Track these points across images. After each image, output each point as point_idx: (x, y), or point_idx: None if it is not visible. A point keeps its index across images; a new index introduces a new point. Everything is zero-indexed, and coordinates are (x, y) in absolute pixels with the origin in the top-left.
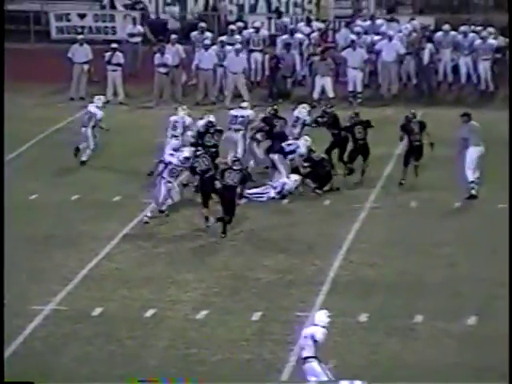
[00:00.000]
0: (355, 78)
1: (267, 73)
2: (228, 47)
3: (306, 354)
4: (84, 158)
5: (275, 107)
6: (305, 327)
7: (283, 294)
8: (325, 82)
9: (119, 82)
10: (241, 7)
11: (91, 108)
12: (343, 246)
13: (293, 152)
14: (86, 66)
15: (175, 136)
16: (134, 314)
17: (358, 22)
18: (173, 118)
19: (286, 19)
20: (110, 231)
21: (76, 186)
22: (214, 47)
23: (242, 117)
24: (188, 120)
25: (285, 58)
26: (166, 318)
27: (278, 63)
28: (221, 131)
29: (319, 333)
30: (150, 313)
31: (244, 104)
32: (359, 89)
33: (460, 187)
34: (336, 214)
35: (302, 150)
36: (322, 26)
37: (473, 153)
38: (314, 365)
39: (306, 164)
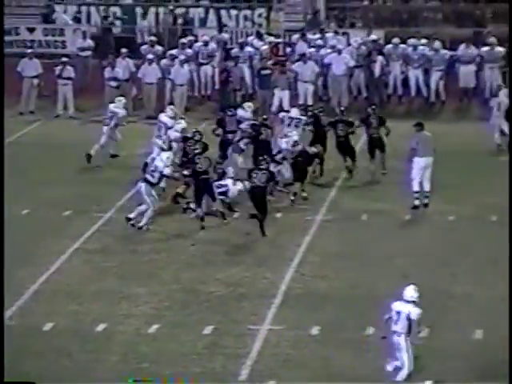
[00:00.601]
0: (306, 91)
1: (217, 86)
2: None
3: (397, 328)
4: (92, 152)
5: (265, 116)
6: (394, 302)
7: (235, 307)
8: (283, 96)
9: (70, 95)
10: (191, 21)
11: (112, 107)
12: (295, 259)
13: (223, 193)
14: (35, 80)
15: (159, 136)
16: (85, 328)
17: (309, 35)
18: (161, 119)
19: (225, 35)
20: (61, 246)
21: (27, 200)
22: (164, 61)
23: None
24: (170, 122)
25: (233, 71)
26: (117, 333)
27: (228, 77)
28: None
29: (415, 313)
30: (101, 327)
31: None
32: (310, 102)
33: (410, 199)
34: (287, 226)
35: (233, 191)
36: (276, 39)
37: (421, 163)
38: (402, 340)
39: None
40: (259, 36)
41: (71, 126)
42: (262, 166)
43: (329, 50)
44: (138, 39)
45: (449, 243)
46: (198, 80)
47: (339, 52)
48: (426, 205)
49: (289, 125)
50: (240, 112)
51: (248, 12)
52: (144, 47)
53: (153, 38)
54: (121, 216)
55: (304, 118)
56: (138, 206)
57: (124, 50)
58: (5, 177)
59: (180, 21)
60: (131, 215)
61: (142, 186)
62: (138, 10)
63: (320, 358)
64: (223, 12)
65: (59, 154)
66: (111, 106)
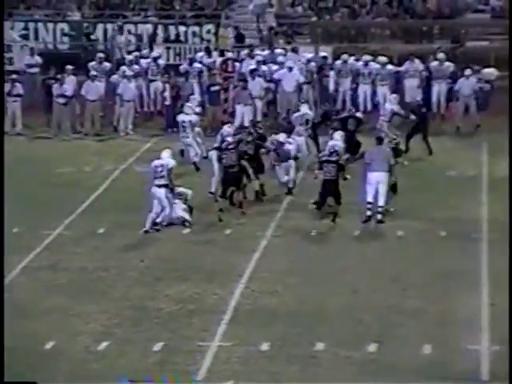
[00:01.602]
0: (254, 106)
1: (167, 102)
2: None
3: None
4: (196, 159)
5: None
6: None
7: (185, 323)
8: (245, 111)
9: (19, 113)
10: (139, 37)
11: (183, 117)
12: (244, 275)
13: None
14: None
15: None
16: (33, 346)
17: (257, 51)
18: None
19: (154, 53)
20: (10, 263)
21: None
22: (115, 76)
23: (162, 166)
24: (172, 163)
25: (183, 87)
26: (66, 350)
27: (178, 92)
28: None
29: None
30: (49, 345)
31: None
32: (258, 117)
33: (360, 215)
34: (237, 242)
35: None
36: (229, 55)
37: (374, 178)
38: None
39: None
40: (208, 52)
41: (18, 143)
42: (331, 159)
43: (277, 67)
44: (117, 55)
45: (398, 258)
46: (147, 96)
47: (290, 69)
48: (379, 221)
49: (300, 124)
50: (225, 129)
51: (196, 28)
52: (92, 64)
53: (101, 55)
54: (69, 233)
55: (312, 114)
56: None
57: (69, 67)
58: None
59: (129, 37)
60: (146, 227)
61: (160, 191)
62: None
63: (269, 374)
64: (171, 28)
65: (7, 171)
66: (181, 116)
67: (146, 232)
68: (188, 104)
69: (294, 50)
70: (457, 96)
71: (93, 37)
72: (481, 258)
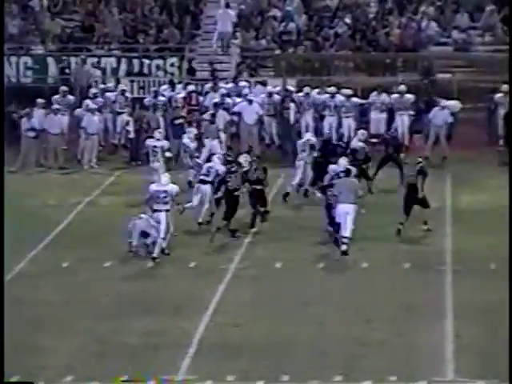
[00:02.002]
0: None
1: (131, 135)
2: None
3: None
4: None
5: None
6: None
7: (149, 357)
8: (213, 145)
9: None
10: (103, 70)
11: (154, 142)
12: (209, 308)
13: None
14: None
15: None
16: None
17: (221, 84)
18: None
19: (121, 85)
20: None
21: None
22: (79, 110)
23: (165, 192)
24: (176, 189)
25: (151, 120)
26: None
27: (142, 125)
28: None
29: None
30: (14, 379)
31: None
32: (222, 151)
33: (324, 247)
34: (202, 275)
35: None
36: (192, 88)
37: (342, 209)
38: None
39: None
40: (172, 85)
41: None
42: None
43: (240, 99)
44: (93, 88)
45: (363, 290)
46: (113, 129)
47: (250, 101)
48: (343, 252)
49: (303, 150)
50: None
51: (160, 61)
52: (56, 97)
53: (64, 88)
54: (33, 267)
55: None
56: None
57: (40, 100)
58: None
59: (92, 71)
60: (200, 220)
61: (162, 215)
62: (50, 60)
63: None
64: (135, 61)
65: None
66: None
67: (154, 259)
68: (158, 130)
69: (262, 83)
70: (421, 127)
71: (67, 70)
72: (445, 290)
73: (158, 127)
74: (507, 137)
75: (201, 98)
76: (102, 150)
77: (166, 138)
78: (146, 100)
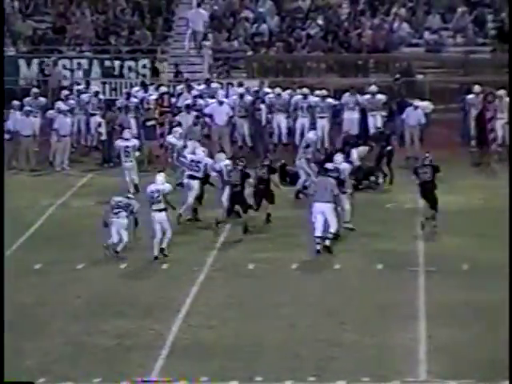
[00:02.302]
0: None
1: (103, 137)
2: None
3: None
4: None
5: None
6: None
7: (122, 359)
8: (196, 146)
9: None
10: (75, 72)
11: (125, 142)
12: (182, 310)
13: None
14: None
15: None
16: None
17: (194, 85)
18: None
19: (94, 87)
20: None
21: None
22: (51, 111)
23: (158, 191)
24: (168, 187)
25: (121, 121)
26: None
27: (114, 127)
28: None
29: None
30: None
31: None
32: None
33: (297, 248)
34: (174, 277)
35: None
36: (164, 89)
37: (318, 208)
38: None
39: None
40: (144, 87)
41: None
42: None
43: (212, 101)
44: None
45: (335, 292)
46: (86, 130)
47: (220, 103)
48: (326, 247)
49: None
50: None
51: (132, 63)
52: (27, 99)
53: (35, 90)
54: (5, 269)
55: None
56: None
57: (16, 103)
58: None
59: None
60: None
61: (161, 215)
62: (21, 62)
63: None
64: (107, 63)
65: None
66: (169, 137)
67: (156, 258)
68: (127, 130)
69: (240, 84)
70: (394, 129)
71: (47, 72)
72: (417, 291)
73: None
74: (479, 138)
75: (173, 100)
76: (75, 151)
77: (138, 139)
78: (118, 102)
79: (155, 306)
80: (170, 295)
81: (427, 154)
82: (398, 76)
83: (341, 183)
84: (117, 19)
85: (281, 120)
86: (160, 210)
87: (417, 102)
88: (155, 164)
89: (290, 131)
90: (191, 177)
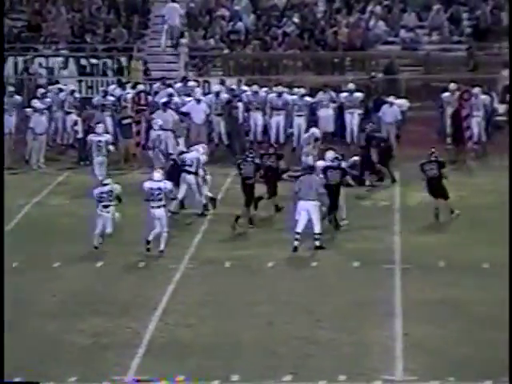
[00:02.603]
0: (166, 139)
1: (80, 135)
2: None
3: None
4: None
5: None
6: None
7: (99, 357)
8: (181, 143)
9: None
10: (51, 70)
11: (98, 137)
12: (159, 308)
13: None
14: None
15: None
16: None
17: (171, 83)
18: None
19: (70, 85)
20: None
21: None
22: (26, 110)
23: (159, 189)
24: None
25: (97, 119)
26: None
27: (90, 125)
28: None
29: None
30: None
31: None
32: (170, 150)
33: (275, 246)
34: (151, 275)
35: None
36: (141, 87)
37: (302, 206)
38: None
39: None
40: (120, 85)
41: None
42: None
43: (189, 99)
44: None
45: (312, 289)
46: (62, 129)
47: (198, 101)
48: (318, 247)
49: (308, 143)
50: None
51: (108, 61)
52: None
53: (11, 88)
54: None
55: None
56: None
57: None
58: None
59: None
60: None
61: (160, 211)
62: None
63: None
64: (83, 61)
65: None
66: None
67: (162, 252)
68: (98, 125)
69: (222, 82)
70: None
71: (31, 70)
72: (394, 288)
73: (106, 127)
74: (454, 135)
75: (150, 98)
76: (51, 150)
77: (115, 138)
78: (94, 100)
79: (132, 305)
80: (147, 293)
81: (433, 150)
82: (373, 74)
83: (344, 175)
84: (92, 17)
85: (257, 118)
86: (159, 207)
87: (392, 99)
88: (131, 162)
89: (266, 129)
90: (186, 171)
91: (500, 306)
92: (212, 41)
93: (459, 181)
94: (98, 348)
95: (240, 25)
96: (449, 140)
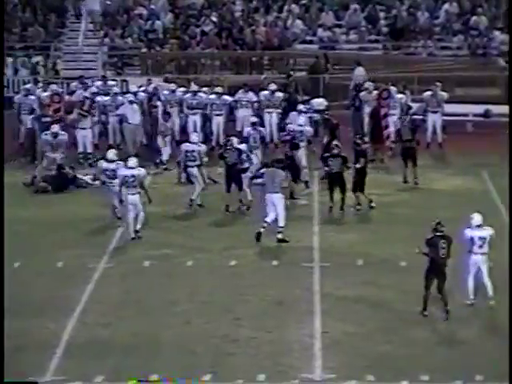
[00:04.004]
0: (85, 138)
1: None
2: None
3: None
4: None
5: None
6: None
7: (15, 358)
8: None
9: None
10: None
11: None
12: (77, 308)
13: None
14: None
15: None
16: None
17: (89, 82)
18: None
19: None
20: None
21: None
22: None
23: (133, 176)
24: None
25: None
26: None
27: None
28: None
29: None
30: None
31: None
32: (89, 150)
33: (194, 244)
34: (69, 274)
35: None
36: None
37: (268, 199)
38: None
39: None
40: (37, 83)
41: None
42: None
43: (109, 98)
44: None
45: (231, 288)
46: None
47: (131, 102)
48: (280, 240)
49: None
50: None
51: (25, 60)
52: None
53: None
54: None
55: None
56: None
57: None
58: None
59: None
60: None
61: (134, 198)
62: None
63: None
64: None
65: None
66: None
67: (133, 238)
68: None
69: (124, 82)
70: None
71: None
72: (312, 287)
73: (26, 126)
74: (372, 134)
75: (66, 97)
76: None
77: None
78: (15, 98)
79: (50, 305)
80: (65, 293)
81: (336, 143)
82: (290, 73)
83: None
84: (9, 16)
85: (175, 117)
86: (133, 194)
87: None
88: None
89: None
90: (189, 166)
91: (417, 303)
92: (130, 40)
93: (376, 179)
94: (14, 349)
95: (158, 24)
96: (366, 139)
